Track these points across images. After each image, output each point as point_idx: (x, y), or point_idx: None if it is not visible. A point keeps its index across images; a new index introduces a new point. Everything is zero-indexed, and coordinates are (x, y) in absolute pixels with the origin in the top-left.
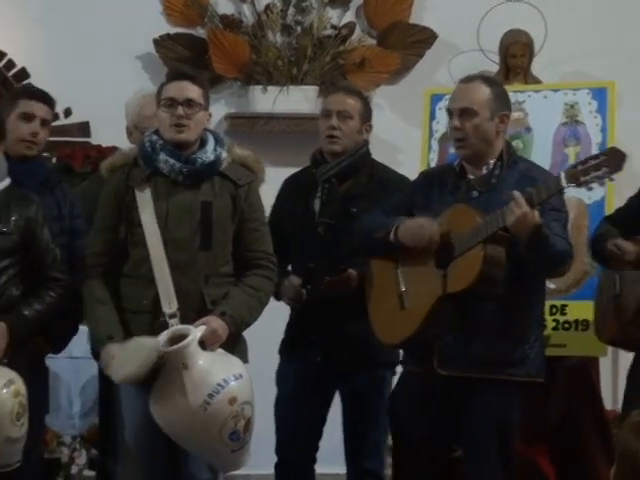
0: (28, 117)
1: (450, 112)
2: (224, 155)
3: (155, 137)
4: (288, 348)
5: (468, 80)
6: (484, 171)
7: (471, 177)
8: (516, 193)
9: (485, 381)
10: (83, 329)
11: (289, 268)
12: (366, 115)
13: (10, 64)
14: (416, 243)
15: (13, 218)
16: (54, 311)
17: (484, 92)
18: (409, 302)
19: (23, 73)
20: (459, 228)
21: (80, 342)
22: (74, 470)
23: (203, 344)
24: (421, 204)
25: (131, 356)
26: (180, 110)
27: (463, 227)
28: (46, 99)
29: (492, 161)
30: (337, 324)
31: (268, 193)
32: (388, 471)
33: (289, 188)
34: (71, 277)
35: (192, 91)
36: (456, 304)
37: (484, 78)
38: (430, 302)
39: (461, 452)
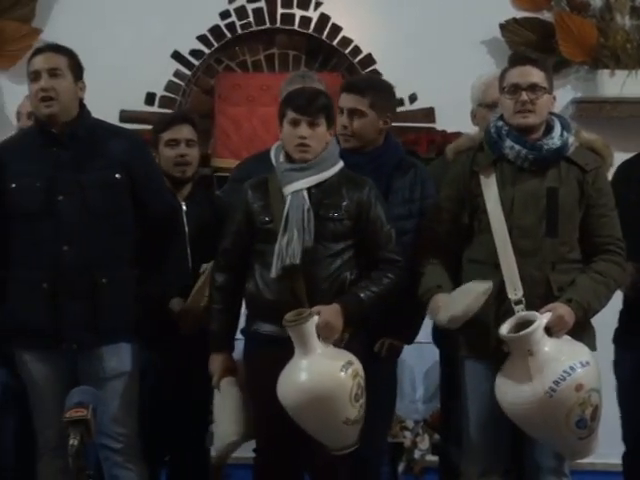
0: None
1: None
2: (571, 140)
3: (501, 123)
4: (622, 336)
5: None
6: None
7: None
8: None
9: None
10: None
11: None
12: None
13: (356, 50)
14: None
15: (344, 203)
16: (391, 293)
17: None
18: None
19: (369, 59)
20: None
21: (425, 327)
22: (417, 455)
23: (549, 331)
24: None
25: (459, 298)
26: (524, 95)
27: None
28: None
29: None
30: None
31: None
32: None
33: (623, 174)
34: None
35: (535, 75)
36: None
37: None
38: None
39: None
